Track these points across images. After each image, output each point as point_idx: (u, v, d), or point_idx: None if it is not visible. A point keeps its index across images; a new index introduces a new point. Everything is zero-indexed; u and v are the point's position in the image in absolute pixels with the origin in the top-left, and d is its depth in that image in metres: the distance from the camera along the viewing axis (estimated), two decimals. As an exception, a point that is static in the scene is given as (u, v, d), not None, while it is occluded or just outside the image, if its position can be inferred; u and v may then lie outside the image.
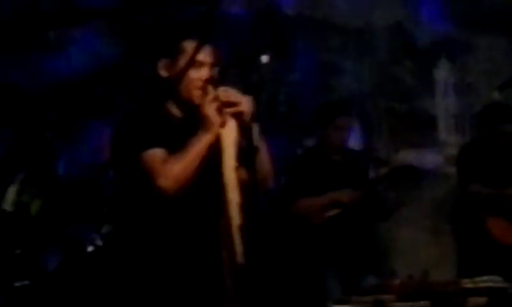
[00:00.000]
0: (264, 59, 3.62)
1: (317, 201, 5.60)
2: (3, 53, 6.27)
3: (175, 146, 3.42)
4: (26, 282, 5.15)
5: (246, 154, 3.51)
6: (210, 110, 3.46)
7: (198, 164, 3.42)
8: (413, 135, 7.00)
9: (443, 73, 7.11)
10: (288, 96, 6.89)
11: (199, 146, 3.43)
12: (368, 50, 7.01)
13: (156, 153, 3.40)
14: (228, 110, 3.50)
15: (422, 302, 4.09)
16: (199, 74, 3.53)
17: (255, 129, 3.50)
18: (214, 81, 3.55)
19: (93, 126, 6.18)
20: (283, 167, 6.24)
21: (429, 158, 6.98)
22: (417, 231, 6.83)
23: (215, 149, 3.50)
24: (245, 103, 3.51)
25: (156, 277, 3.46)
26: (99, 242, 5.19)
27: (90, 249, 5.22)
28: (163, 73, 3.57)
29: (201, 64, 3.53)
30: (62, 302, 5.22)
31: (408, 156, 6.91)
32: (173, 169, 3.37)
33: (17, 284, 5.12)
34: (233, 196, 3.50)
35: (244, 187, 3.54)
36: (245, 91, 3.55)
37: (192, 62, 3.47)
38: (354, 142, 6.30)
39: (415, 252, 6.71)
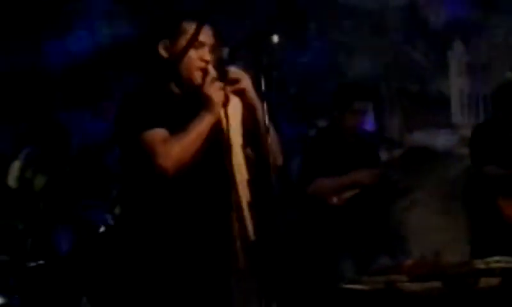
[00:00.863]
0: (275, 38, 3.59)
1: (337, 182, 5.59)
2: (13, 35, 6.27)
3: (177, 126, 3.43)
4: (40, 262, 5.16)
5: (252, 132, 3.53)
6: (211, 90, 3.46)
7: (199, 144, 3.43)
8: (426, 116, 6.97)
9: (457, 54, 7.07)
10: (300, 77, 6.87)
11: (200, 126, 3.44)
12: (382, 31, 6.97)
13: (156, 133, 3.41)
14: (229, 88, 3.50)
15: (433, 283, 4.09)
16: (199, 55, 3.53)
17: (264, 108, 3.49)
18: (219, 62, 3.54)
19: (104, 107, 6.20)
20: (296, 148, 6.26)
21: (443, 139, 6.95)
22: (430, 213, 6.81)
23: (221, 128, 3.50)
24: (246, 80, 3.53)
25: (166, 257, 3.45)
26: (111, 223, 5.20)
27: (102, 229, 5.24)
28: (163, 53, 3.57)
29: (201, 45, 3.54)
30: (75, 283, 5.24)
31: (421, 137, 6.88)
32: (172, 149, 3.38)
33: (31, 264, 5.14)
34: (242, 173, 3.49)
35: (252, 164, 3.54)
36: (256, 71, 3.54)
37: (193, 43, 3.49)
38: (368, 123, 6.28)
39: (427, 234, 6.68)
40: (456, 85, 7.08)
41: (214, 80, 3.49)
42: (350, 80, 6.57)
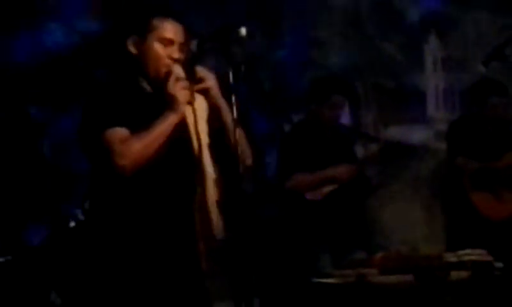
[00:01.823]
0: (243, 31, 3.57)
1: (315, 177, 5.56)
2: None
3: (144, 123, 3.42)
4: (8, 257, 5.14)
5: (218, 131, 3.53)
6: (175, 89, 3.45)
7: (161, 143, 3.41)
8: (401, 111, 6.97)
9: (432, 48, 7.07)
10: (274, 73, 6.86)
11: (162, 125, 3.42)
12: (356, 26, 6.96)
13: (117, 132, 3.39)
14: (195, 87, 3.49)
15: (404, 276, 4.09)
16: (167, 52, 3.51)
17: (232, 104, 3.48)
18: (187, 59, 3.54)
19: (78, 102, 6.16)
20: (272, 143, 6.25)
21: (418, 134, 6.95)
22: (406, 207, 6.81)
23: (186, 127, 3.50)
24: (211, 80, 3.52)
25: (132, 253, 3.44)
26: (81, 218, 5.18)
27: (72, 224, 5.21)
28: (132, 49, 3.55)
29: (170, 43, 3.52)
30: (44, 278, 5.21)
31: (397, 132, 6.88)
32: (131, 148, 3.37)
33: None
34: (209, 171, 3.48)
35: (220, 163, 3.53)
36: (226, 65, 3.53)
37: (161, 40, 3.49)
38: (344, 117, 6.26)
39: (404, 229, 6.70)
40: (432, 80, 7.08)
41: (179, 79, 3.47)
42: (324, 75, 6.54)
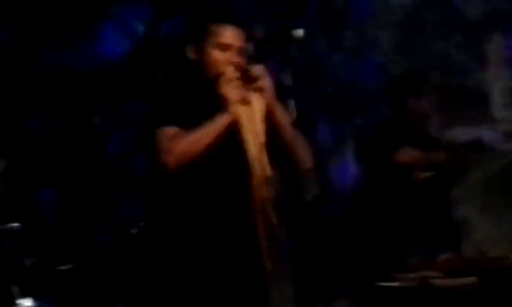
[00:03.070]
0: (301, 32, 3.56)
1: (424, 154, 5.32)
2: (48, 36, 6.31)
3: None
4: (71, 265, 5.18)
5: (273, 130, 3.51)
6: (226, 89, 3.46)
7: (207, 142, 3.42)
8: (465, 112, 6.86)
9: (496, 47, 6.95)
10: (337, 76, 6.81)
11: (212, 124, 3.44)
12: (417, 26, 6.88)
13: (166, 130, 3.44)
14: (250, 86, 3.49)
15: (468, 279, 4.01)
16: (225, 56, 3.53)
17: (290, 106, 3.49)
18: (245, 63, 3.54)
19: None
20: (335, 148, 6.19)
21: (484, 135, 6.81)
22: (471, 210, 6.70)
23: (239, 126, 3.50)
24: (266, 79, 3.51)
25: (191, 255, 3.47)
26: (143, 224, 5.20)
27: (134, 231, 5.24)
28: (191, 55, 3.59)
29: (227, 47, 3.53)
30: (108, 286, 5.24)
31: (462, 133, 6.76)
32: (177, 145, 3.40)
33: (63, 267, 5.15)
34: (264, 170, 3.45)
35: (277, 163, 3.51)
36: (283, 67, 3.53)
37: (219, 45, 3.52)
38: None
39: (468, 232, 6.58)
40: (497, 79, 6.96)
41: (231, 79, 3.48)
42: (388, 77, 6.47)
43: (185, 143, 3.41)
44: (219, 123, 3.45)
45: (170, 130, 3.43)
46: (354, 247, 5.63)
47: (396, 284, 4.12)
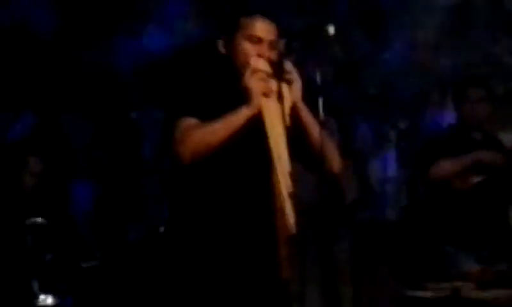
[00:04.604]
0: (331, 30, 3.46)
1: (460, 161, 5.17)
2: (86, 34, 6.32)
3: None
4: (94, 263, 5.15)
5: (299, 131, 3.42)
6: (251, 81, 3.37)
7: (226, 134, 3.33)
8: (510, 117, 6.68)
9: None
10: (380, 78, 6.70)
11: (232, 117, 3.35)
12: (464, 28, 6.72)
13: (186, 121, 3.37)
14: (280, 79, 3.38)
15: (503, 291, 3.89)
16: (256, 49, 3.45)
17: (319, 105, 3.38)
18: (277, 56, 3.44)
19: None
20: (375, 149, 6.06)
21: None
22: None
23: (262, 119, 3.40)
24: (295, 75, 3.42)
25: (207, 254, 3.40)
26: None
27: (162, 230, 5.18)
28: (222, 49, 3.53)
29: (259, 40, 3.46)
30: (131, 284, 5.21)
31: (508, 138, 6.58)
32: (194, 136, 3.32)
33: (85, 264, 5.12)
34: (285, 166, 3.33)
35: (300, 160, 3.44)
36: (314, 65, 3.44)
37: (249, 38, 3.45)
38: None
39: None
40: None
41: (256, 71, 3.38)
42: (432, 80, 6.33)
43: (201, 134, 3.33)
44: (240, 115, 3.36)
45: (190, 121, 3.36)
46: (399, 253, 5.51)
47: (428, 294, 4.01)
